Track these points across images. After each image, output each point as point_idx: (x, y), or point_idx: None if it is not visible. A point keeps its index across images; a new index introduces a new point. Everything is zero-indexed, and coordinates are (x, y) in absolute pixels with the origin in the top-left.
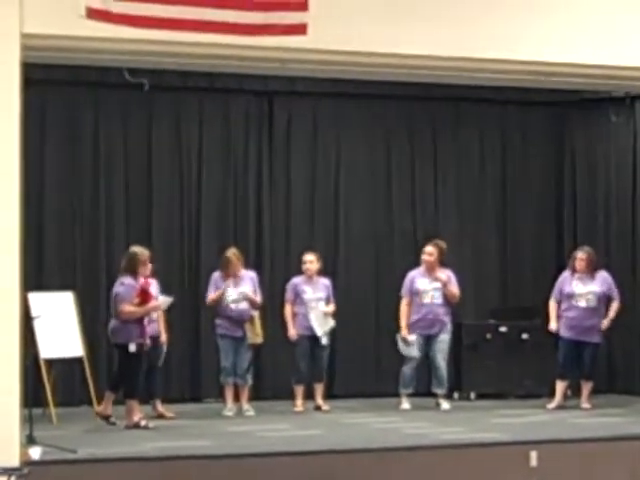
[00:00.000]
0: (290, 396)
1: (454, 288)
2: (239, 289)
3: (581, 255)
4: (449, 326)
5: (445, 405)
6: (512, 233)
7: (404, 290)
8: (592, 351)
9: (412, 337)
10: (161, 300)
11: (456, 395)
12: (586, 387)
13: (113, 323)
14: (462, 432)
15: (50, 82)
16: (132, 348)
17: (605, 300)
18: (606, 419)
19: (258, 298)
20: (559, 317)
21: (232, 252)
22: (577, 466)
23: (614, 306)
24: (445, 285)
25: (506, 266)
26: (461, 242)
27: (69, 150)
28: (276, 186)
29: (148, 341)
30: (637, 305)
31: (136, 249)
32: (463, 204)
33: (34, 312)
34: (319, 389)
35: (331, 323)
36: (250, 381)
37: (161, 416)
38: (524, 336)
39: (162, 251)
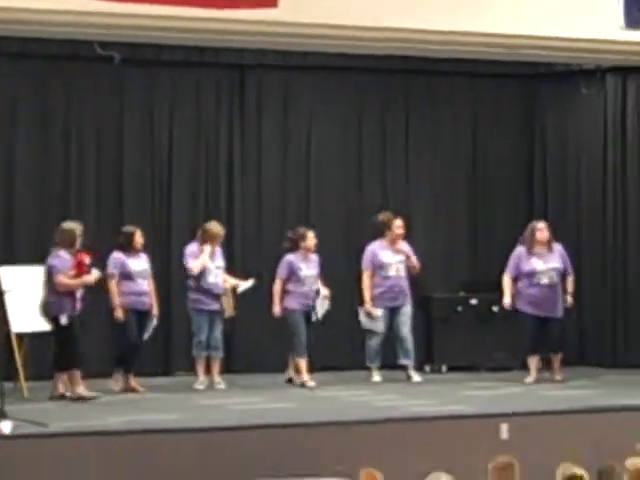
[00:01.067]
0: (262, 369)
1: (414, 259)
2: (216, 263)
3: (541, 226)
4: (410, 298)
5: (416, 377)
6: (483, 206)
7: (366, 263)
8: (558, 325)
9: (378, 311)
10: (95, 274)
11: (427, 368)
12: (556, 360)
13: (46, 297)
14: (433, 405)
15: (20, 55)
16: (63, 320)
17: (563, 274)
18: (577, 391)
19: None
20: (519, 294)
21: (219, 226)
22: (548, 438)
23: (570, 280)
24: (408, 257)
25: (476, 239)
26: (432, 215)
27: (39, 125)
28: (248, 160)
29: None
30: (607, 279)
31: (71, 224)
32: (434, 177)
33: (5, 286)
34: (303, 364)
35: (326, 305)
36: (222, 353)
37: (132, 390)
38: (495, 309)
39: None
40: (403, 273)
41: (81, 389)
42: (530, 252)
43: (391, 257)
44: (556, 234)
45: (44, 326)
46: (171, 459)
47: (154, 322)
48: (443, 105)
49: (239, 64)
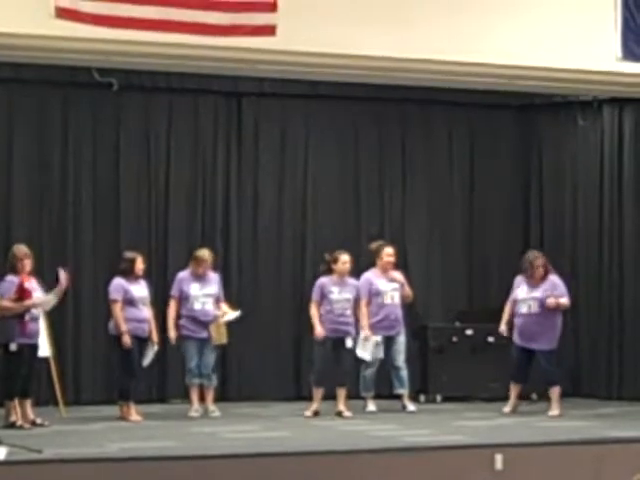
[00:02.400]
0: (257, 398)
1: (408, 288)
2: (205, 290)
3: (540, 262)
4: (404, 328)
5: (411, 407)
6: (479, 236)
7: (362, 291)
8: (544, 358)
9: (377, 337)
10: (43, 298)
11: (422, 398)
12: (552, 393)
13: None
14: (428, 435)
15: (18, 81)
16: (13, 347)
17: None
18: (571, 423)
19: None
20: (512, 322)
21: (206, 252)
22: (542, 470)
23: (562, 300)
24: (402, 286)
25: (472, 269)
26: (428, 245)
27: (37, 150)
28: (244, 187)
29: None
30: (602, 309)
31: (15, 247)
32: (431, 207)
33: None
34: (341, 394)
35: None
36: (215, 382)
37: (124, 418)
38: (490, 339)
39: None
40: (398, 301)
41: (14, 418)
42: (525, 280)
43: (386, 285)
44: (552, 265)
45: (40, 352)
46: None
47: (155, 349)
48: (439, 135)
49: (237, 92)
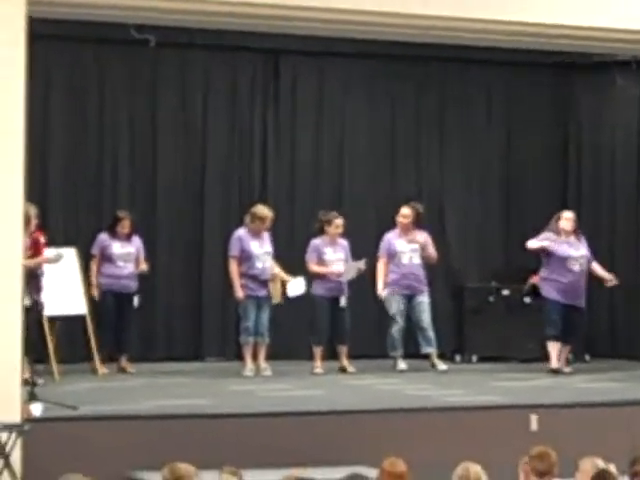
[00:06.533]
0: (291, 356)
1: (431, 250)
2: (264, 248)
3: (568, 215)
4: (427, 289)
5: (441, 366)
6: (516, 195)
7: (381, 251)
8: (581, 315)
9: (385, 292)
10: (54, 254)
11: (458, 358)
12: (566, 351)
13: None
14: (463, 394)
15: (56, 37)
16: (26, 302)
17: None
18: (608, 384)
19: None
20: (547, 280)
21: (266, 209)
22: (578, 431)
23: (596, 265)
24: (423, 248)
25: (509, 229)
26: (464, 205)
27: (74, 106)
28: (281, 144)
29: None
30: None
31: (25, 206)
32: (468, 166)
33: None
34: (343, 351)
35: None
36: (268, 340)
37: (123, 370)
38: (527, 299)
39: (166, 210)
40: (417, 262)
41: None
42: (560, 237)
43: (405, 246)
44: (589, 224)
45: (76, 309)
46: (200, 444)
47: (135, 302)
48: (477, 94)
49: (274, 49)
